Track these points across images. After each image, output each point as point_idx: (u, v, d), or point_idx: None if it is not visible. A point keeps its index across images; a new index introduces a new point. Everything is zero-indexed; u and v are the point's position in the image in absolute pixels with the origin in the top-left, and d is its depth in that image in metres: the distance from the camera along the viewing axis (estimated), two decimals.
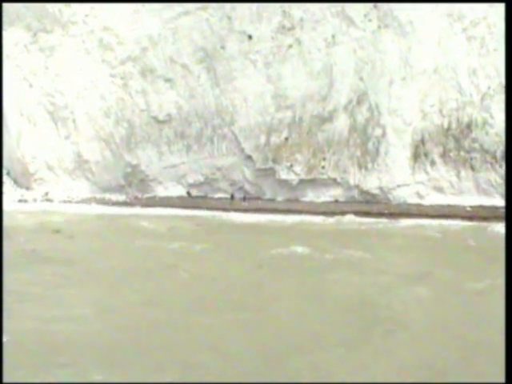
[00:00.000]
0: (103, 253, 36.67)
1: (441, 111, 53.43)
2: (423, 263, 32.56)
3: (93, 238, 43.58)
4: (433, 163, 53.47)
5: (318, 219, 49.41)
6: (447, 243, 38.33)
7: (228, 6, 61.57)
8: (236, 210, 55.51)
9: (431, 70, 53.83)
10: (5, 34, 74.56)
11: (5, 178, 79.07)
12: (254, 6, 60.54)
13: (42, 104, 74.18)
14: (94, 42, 69.94)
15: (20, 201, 70.99)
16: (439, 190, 53.45)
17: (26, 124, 75.03)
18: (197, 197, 64.58)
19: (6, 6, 73.64)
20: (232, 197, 60.59)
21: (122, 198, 68.40)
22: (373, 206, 52.71)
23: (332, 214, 50.73)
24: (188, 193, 65.40)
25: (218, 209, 57.01)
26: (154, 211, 57.95)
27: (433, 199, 53.15)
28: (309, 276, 28.93)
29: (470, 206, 49.88)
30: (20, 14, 73.09)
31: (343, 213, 50.58)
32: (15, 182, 78.50)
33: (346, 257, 32.75)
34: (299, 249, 34.60)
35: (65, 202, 68.82)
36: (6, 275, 25.66)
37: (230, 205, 58.60)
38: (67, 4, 69.95)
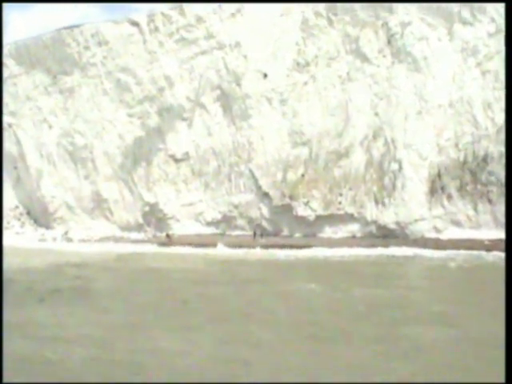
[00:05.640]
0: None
1: (457, 145, 53.58)
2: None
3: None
4: (450, 197, 53.44)
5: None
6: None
7: (244, 44, 62.44)
8: (254, 247, 55.45)
9: (446, 105, 54.13)
10: (26, 77, 76.05)
11: (25, 218, 80.00)
12: (270, 44, 61.38)
13: (62, 144, 75.13)
14: (111, 82, 71.06)
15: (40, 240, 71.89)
16: (457, 223, 53.35)
17: (45, 164, 75.99)
18: (215, 234, 64.79)
19: (27, 49, 75.45)
20: (254, 234, 60.46)
21: (140, 236, 68.77)
22: (390, 240, 52.42)
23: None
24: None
25: (235, 246, 56.76)
26: (174, 250, 58.02)
27: (450, 233, 52.97)
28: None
29: (489, 240, 49.38)
30: (40, 58, 74.57)
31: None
32: (35, 221, 79.27)
33: None
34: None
35: (84, 241, 69.20)
36: None
37: (253, 241, 58.51)
38: (86, 46, 71.33)
